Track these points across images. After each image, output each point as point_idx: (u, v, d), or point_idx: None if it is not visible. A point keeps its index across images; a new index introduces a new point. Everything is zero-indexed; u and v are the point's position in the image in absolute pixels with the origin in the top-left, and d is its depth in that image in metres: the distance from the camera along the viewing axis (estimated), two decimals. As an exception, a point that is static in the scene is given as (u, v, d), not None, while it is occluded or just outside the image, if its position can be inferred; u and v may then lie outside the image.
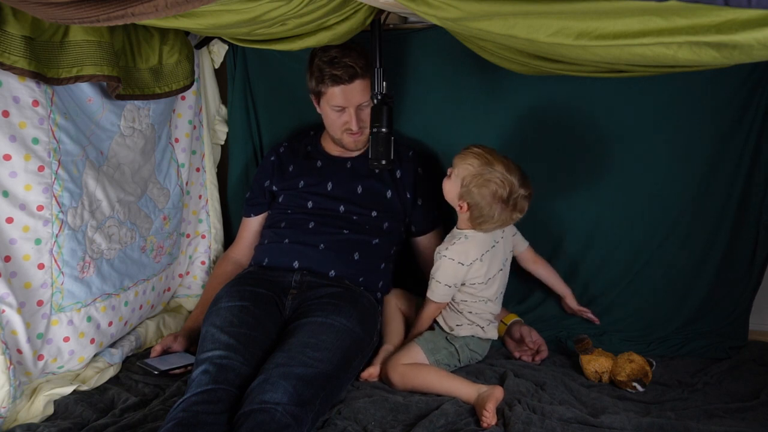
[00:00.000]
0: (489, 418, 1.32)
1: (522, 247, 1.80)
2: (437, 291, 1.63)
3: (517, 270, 1.99)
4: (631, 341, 1.79)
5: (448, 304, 1.67)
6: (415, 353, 1.59)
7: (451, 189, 1.63)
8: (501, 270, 1.67)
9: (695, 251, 1.83)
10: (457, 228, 1.68)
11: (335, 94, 1.72)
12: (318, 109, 1.83)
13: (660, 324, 1.84)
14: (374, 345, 1.65)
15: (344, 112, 1.75)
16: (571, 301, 1.83)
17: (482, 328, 1.66)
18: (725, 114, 1.76)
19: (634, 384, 1.54)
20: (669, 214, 1.84)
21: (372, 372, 1.57)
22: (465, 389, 1.44)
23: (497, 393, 1.37)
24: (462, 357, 1.64)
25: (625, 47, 0.90)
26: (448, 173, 1.65)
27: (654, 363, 1.59)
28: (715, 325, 1.82)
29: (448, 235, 1.70)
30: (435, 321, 1.70)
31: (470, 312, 1.65)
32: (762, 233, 1.78)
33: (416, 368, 1.55)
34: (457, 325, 1.65)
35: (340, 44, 1.63)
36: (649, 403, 1.49)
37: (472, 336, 1.65)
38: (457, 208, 1.63)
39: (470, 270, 1.61)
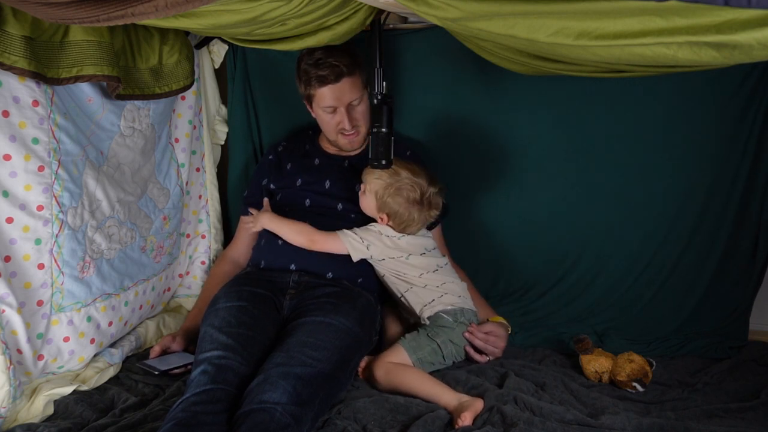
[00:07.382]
0: (464, 423, 1.31)
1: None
2: (349, 234, 1.66)
3: (516, 269, 2.00)
4: (631, 341, 1.79)
5: (399, 282, 1.69)
6: (398, 352, 1.58)
7: (367, 203, 1.71)
8: (423, 255, 1.70)
9: (696, 251, 1.84)
10: None
11: (324, 95, 1.72)
12: (312, 113, 1.84)
13: (660, 324, 1.84)
14: (373, 344, 1.65)
15: (336, 113, 1.75)
16: None
17: (458, 297, 1.67)
18: (725, 114, 1.77)
19: (634, 384, 1.54)
20: (669, 214, 1.85)
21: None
22: (446, 396, 1.42)
23: (477, 405, 1.37)
24: (446, 353, 1.61)
25: (625, 47, 0.90)
26: (361, 189, 1.71)
27: (654, 363, 1.58)
28: (715, 325, 1.82)
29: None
30: (417, 318, 1.70)
31: (426, 285, 1.66)
32: (762, 233, 1.78)
33: (401, 368, 1.54)
34: (431, 301, 1.66)
35: (324, 45, 1.62)
36: (649, 403, 1.49)
37: (451, 308, 1.64)
38: (378, 220, 1.70)
39: (389, 243, 1.65)
